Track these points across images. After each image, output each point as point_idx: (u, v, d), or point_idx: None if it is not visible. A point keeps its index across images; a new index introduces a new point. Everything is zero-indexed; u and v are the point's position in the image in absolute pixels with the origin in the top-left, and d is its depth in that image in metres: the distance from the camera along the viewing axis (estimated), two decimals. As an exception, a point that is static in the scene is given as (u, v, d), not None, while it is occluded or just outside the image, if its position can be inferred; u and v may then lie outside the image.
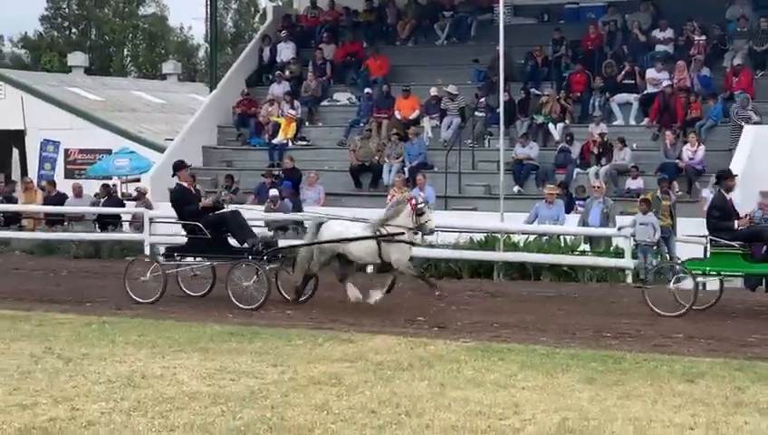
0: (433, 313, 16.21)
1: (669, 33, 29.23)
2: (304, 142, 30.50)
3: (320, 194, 27.31)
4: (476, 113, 28.67)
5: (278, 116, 30.85)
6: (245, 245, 17.24)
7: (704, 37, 28.50)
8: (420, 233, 17.29)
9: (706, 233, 16.73)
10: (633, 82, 28.24)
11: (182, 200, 17.81)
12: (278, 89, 31.67)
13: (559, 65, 29.69)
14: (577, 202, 24.44)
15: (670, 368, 11.32)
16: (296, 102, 31.01)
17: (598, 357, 11.96)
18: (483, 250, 21.45)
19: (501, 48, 22.25)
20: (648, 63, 28.53)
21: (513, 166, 26.57)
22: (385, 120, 29.50)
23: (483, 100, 28.49)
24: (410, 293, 18.57)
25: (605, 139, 26.35)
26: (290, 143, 30.18)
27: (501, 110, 22.43)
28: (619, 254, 20.38)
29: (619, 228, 20.26)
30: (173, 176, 18.25)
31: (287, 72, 32.41)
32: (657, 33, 29.40)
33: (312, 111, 31.54)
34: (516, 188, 26.44)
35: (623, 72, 28.41)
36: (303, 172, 28.01)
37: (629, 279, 19.77)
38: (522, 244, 21.43)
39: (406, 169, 27.59)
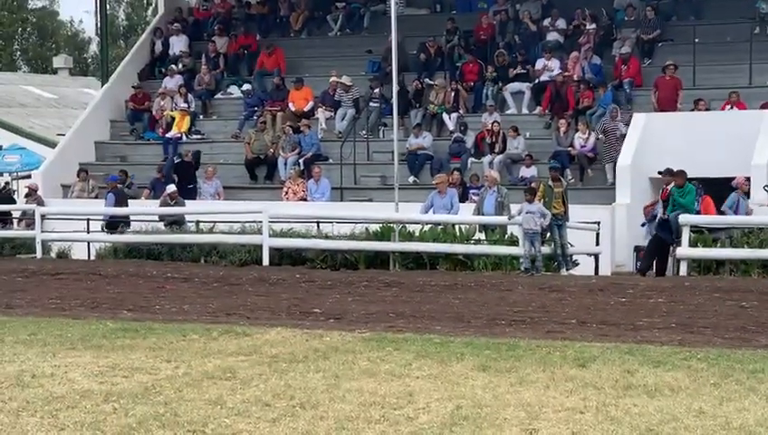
0: (329, 304, 16.22)
1: (560, 22, 29.60)
2: (199, 136, 30.29)
3: (217, 188, 27.18)
4: (371, 104, 28.73)
5: (172, 110, 30.59)
6: None
7: (593, 26, 28.90)
8: None
9: None
10: (525, 71, 28.52)
11: None
12: (171, 82, 31.39)
13: (452, 55, 29.89)
14: (471, 191, 24.64)
15: (562, 354, 11.44)
16: (190, 96, 30.79)
17: (491, 345, 12.04)
18: (379, 241, 21.49)
19: (394, 39, 22.32)
20: (540, 53, 28.86)
21: (408, 156, 26.69)
22: (279, 112, 29.40)
23: (377, 90, 28.57)
24: (305, 285, 18.60)
25: (498, 128, 26.59)
26: (184, 137, 29.96)
27: (395, 100, 22.51)
28: (513, 242, 20.59)
29: (511, 217, 20.46)
30: None
31: (180, 66, 32.14)
32: (547, 23, 29.73)
33: (205, 104, 31.34)
34: (411, 179, 26.58)
35: (515, 62, 28.68)
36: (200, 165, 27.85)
37: (524, 266, 20.00)
38: (417, 234, 21.52)
39: (301, 161, 27.55)
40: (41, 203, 25.70)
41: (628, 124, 25.39)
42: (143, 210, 25.36)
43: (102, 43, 35.41)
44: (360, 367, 10.83)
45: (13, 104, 44.56)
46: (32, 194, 26.78)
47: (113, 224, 24.64)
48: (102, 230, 24.81)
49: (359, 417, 8.78)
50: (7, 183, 31.42)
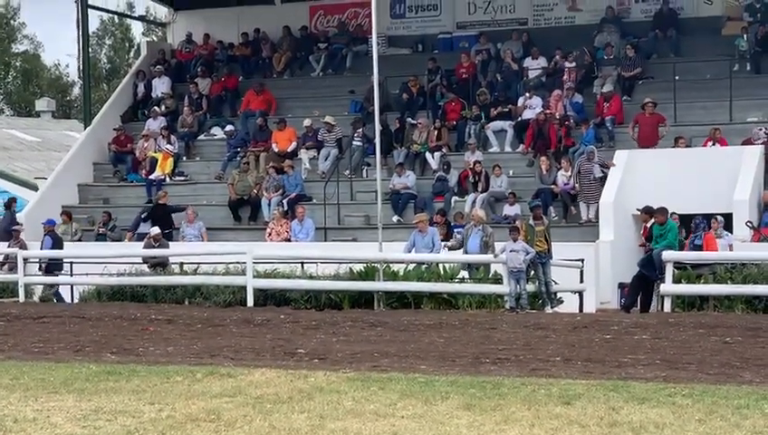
0: (313, 344, 16.18)
1: (541, 61, 29.75)
2: (182, 177, 30.29)
3: (200, 230, 27.16)
4: (354, 144, 28.79)
5: (155, 151, 30.61)
6: None
7: (574, 64, 29.06)
8: None
9: None
10: (507, 109, 28.64)
11: None
12: (154, 124, 31.43)
13: (434, 94, 29.99)
14: (455, 229, 24.65)
15: (548, 391, 11.44)
16: (173, 137, 30.83)
17: (476, 383, 12.02)
18: (363, 280, 21.45)
19: (375, 79, 22.38)
20: (522, 91, 29.00)
21: (392, 196, 26.73)
22: (262, 153, 29.44)
23: (360, 130, 28.63)
24: (289, 325, 18.55)
25: (481, 167, 26.65)
26: (167, 178, 29.95)
27: (377, 140, 22.56)
28: (498, 280, 20.58)
29: (495, 256, 20.48)
30: None
31: (163, 107, 32.20)
32: (529, 62, 29.90)
33: (189, 145, 31.37)
34: (395, 218, 26.60)
35: (497, 100, 28.81)
36: (181, 207, 27.85)
37: (508, 305, 19.99)
38: (401, 273, 21.50)
39: (284, 201, 27.56)
40: (23, 246, 25.59)
41: (604, 166, 25.47)
42: (126, 252, 25.27)
43: (85, 85, 35.45)
44: (344, 407, 10.80)
45: (-4, 148, 44.56)
46: (15, 237, 26.66)
47: (50, 267, 24.73)
48: (40, 273, 24.89)
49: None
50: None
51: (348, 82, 31.59)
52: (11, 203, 29.67)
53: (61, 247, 25.77)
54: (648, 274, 20.28)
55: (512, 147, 28.40)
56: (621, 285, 22.66)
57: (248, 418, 10.34)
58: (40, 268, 25.67)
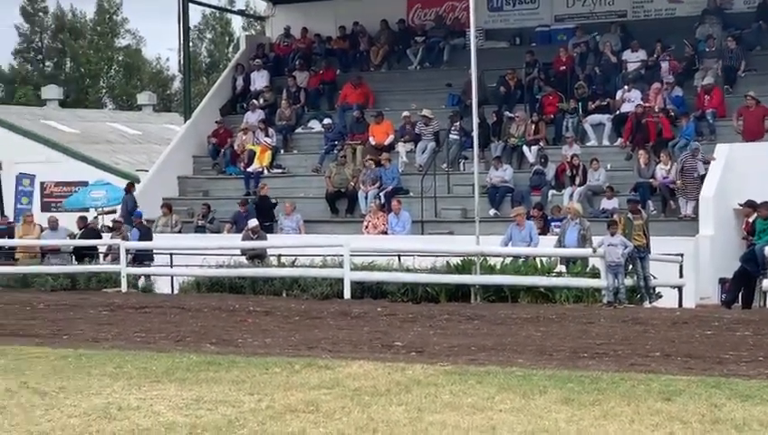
0: (410, 337, 16.21)
1: (641, 53, 29.43)
2: (280, 170, 30.54)
3: (298, 223, 27.33)
4: (451, 137, 28.75)
5: (253, 144, 30.89)
6: None
7: (674, 57, 28.68)
8: None
9: None
10: (605, 103, 28.38)
11: None
12: (252, 117, 31.72)
13: (531, 88, 29.82)
14: (553, 223, 24.53)
15: (647, 387, 11.32)
16: (271, 130, 31.07)
17: (575, 378, 11.95)
18: (460, 274, 21.46)
19: (474, 72, 22.33)
20: (620, 84, 28.71)
21: (489, 189, 26.64)
22: (359, 146, 29.55)
23: (457, 124, 28.59)
24: (386, 318, 18.60)
25: (579, 160, 26.46)
26: (265, 171, 30.21)
27: (475, 133, 22.51)
28: (595, 274, 20.44)
29: (594, 250, 20.34)
30: None
31: (261, 101, 32.47)
32: (628, 54, 29.58)
33: (286, 138, 31.59)
34: (492, 211, 26.51)
35: (596, 94, 28.56)
36: (279, 200, 28.08)
37: (606, 299, 19.84)
38: (498, 266, 21.46)
39: (381, 194, 27.63)
40: (125, 238, 26.02)
41: (706, 163, 25.09)
42: (225, 244, 25.56)
43: (185, 79, 35.89)
44: (442, 400, 10.80)
45: (99, 141, 45.30)
46: (117, 229, 27.14)
47: (140, 258, 25.02)
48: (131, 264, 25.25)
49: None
50: (94, 218, 31.87)
51: (445, 76, 31.55)
52: (130, 187, 30.10)
53: (149, 239, 26.11)
54: (751, 269, 19.96)
55: (610, 140, 28.14)
56: (722, 281, 22.32)
57: (346, 409, 10.40)
58: (106, 256, 26.18)
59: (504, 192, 26.88)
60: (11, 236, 29.40)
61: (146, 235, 26.09)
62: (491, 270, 21.34)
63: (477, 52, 22.90)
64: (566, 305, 19.81)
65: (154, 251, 25.68)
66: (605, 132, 28.19)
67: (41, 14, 73.56)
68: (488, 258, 21.53)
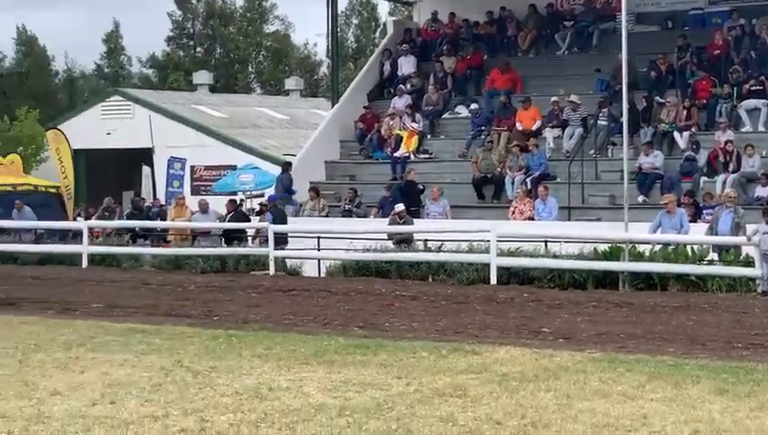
0: (557, 324, 16.09)
1: (799, 36, 28.58)
2: (426, 155, 30.56)
3: (445, 208, 27.31)
4: (599, 122, 28.38)
5: (400, 129, 30.97)
6: None
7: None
8: None
9: None
10: (761, 87, 27.66)
11: None
12: (399, 102, 31.78)
13: (683, 72, 29.21)
14: (704, 211, 24.04)
15: (805, 379, 11.04)
16: (418, 115, 31.10)
17: (728, 368, 11.71)
18: (608, 260, 21.21)
19: (624, 56, 21.98)
20: (778, 69, 27.93)
21: (638, 175, 26.22)
22: (506, 131, 29.38)
23: (605, 109, 28.21)
24: (533, 304, 18.50)
25: (732, 146, 25.86)
26: (412, 156, 30.26)
27: (624, 118, 22.17)
28: (749, 263, 19.98)
29: (748, 238, 19.88)
30: None
31: (408, 86, 32.51)
32: (785, 38, 28.77)
33: (433, 123, 31.59)
34: (641, 198, 26.08)
35: (751, 78, 27.86)
36: (425, 186, 28.10)
37: (761, 289, 19.38)
38: (647, 254, 21.14)
39: (528, 180, 27.44)
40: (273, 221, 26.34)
41: None
42: (372, 229, 25.70)
43: (333, 64, 36.15)
44: (591, 387, 10.70)
45: (247, 125, 45.96)
46: (264, 212, 27.53)
47: (278, 240, 25.22)
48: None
49: (592, 438, 8.68)
50: (242, 201, 32.38)
51: (594, 61, 31.10)
52: (287, 167, 30.45)
53: (283, 223, 26.35)
54: None
55: (765, 126, 27.41)
56: None
57: (494, 395, 10.38)
58: (254, 239, 26.51)
59: (654, 179, 26.41)
60: (163, 219, 30.04)
61: (279, 218, 26.33)
62: (640, 257, 21.06)
63: (628, 36, 22.54)
64: (718, 294, 19.41)
65: (301, 235, 25.89)
66: (761, 118, 27.45)
67: (193, 1, 74.94)
68: (637, 245, 21.22)
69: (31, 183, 37.76)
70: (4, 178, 36.17)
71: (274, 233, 24.87)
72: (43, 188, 37.84)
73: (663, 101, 28.23)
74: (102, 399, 10.37)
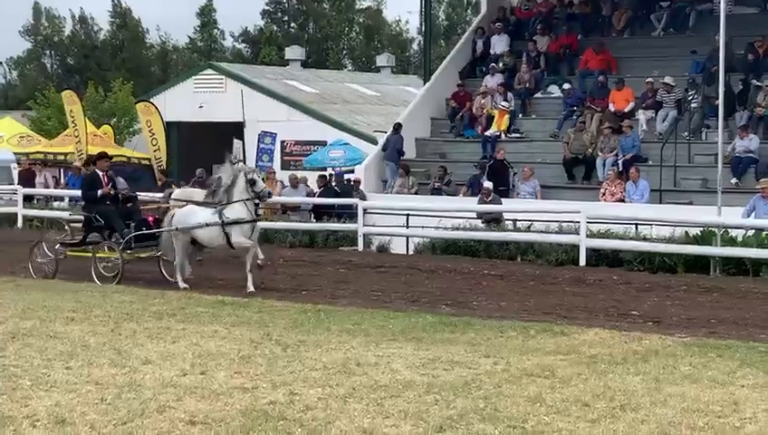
0: (647, 307, 15.98)
1: None
2: (517, 135, 30.42)
3: (535, 188, 27.20)
4: (693, 105, 28.01)
5: (491, 108, 30.86)
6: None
7: None
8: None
9: None
10: None
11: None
12: (491, 81, 31.65)
13: (782, 56, 28.70)
14: (800, 197, 23.62)
15: None
16: (509, 94, 30.94)
17: (822, 357, 11.56)
18: (699, 245, 20.97)
19: (721, 38, 21.67)
20: None
21: (732, 159, 25.85)
22: (598, 112, 29.13)
23: (700, 92, 27.83)
24: (622, 286, 18.38)
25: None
26: (503, 135, 30.14)
27: (720, 101, 21.86)
28: None
29: None
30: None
31: (501, 65, 32.36)
32: None
33: (525, 103, 31.41)
34: (734, 181, 25.72)
35: None
36: (515, 165, 27.99)
37: None
38: (740, 239, 20.86)
39: (620, 162, 27.20)
40: (363, 197, 26.48)
41: None
42: (461, 207, 25.69)
43: (425, 42, 36.10)
44: (681, 372, 10.62)
45: (338, 101, 46.15)
46: (354, 188, 27.64)
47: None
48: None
49: (681, 423, 8.63)
50: (331, 175, 32.55)
51: (689, 42, 30.68)
52: (399, 127, 30.48)
53: (347, 196, 26.67)
54: None
55: None
56: None
57: (583, 376, 10.35)
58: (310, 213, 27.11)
59: (749, 163, 26.02)
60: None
61: (345, 193, 26.46)
62: (732, 242, 20.79)
63: (726, 17, 22.21)
64: (814, 281, 19.12)
65: (391, 211, 25.95)
66: None
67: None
68: (729, 230, 20.95)
69: (125, 154, 38.32)
70: (114, 150, 36.65)
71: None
72: (136, 160, 38.38)
73: (760, 84, 27.76)
74: (192, 369, 10.52)
